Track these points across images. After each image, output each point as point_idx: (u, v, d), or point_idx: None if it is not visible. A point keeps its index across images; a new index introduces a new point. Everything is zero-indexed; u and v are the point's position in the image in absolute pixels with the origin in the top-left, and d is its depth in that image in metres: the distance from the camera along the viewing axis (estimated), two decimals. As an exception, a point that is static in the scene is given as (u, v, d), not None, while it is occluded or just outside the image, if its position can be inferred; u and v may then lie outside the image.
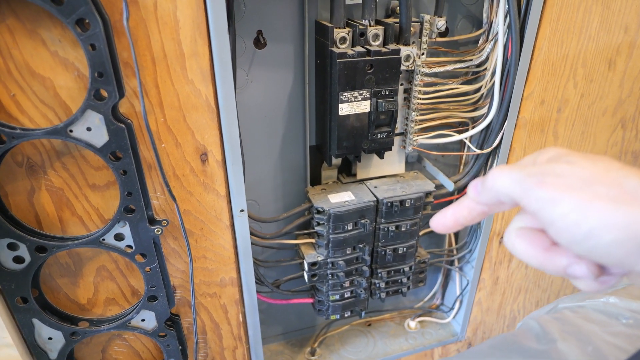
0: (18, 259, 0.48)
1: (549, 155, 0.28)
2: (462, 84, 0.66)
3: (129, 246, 0.52)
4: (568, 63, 0.65)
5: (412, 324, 0.90)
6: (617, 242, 0.22)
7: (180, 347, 0.61)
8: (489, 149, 0.69)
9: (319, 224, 0.65)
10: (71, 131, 0.43)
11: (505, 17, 0.60)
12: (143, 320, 0.57)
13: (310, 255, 0.68)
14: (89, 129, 0.44)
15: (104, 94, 0.43)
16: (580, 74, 0.67)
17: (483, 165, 0.72)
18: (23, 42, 0.41)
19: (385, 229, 0.67)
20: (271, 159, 0.67)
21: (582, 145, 0.76)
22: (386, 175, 0.71)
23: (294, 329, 0.87)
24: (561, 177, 0.24)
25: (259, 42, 0.58)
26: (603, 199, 0.23)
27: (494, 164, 0.70)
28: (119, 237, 0.51)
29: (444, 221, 0.31)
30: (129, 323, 0.57)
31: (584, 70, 0.67)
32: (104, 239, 0.50)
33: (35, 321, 0.52)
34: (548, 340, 0.39)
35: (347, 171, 0.71)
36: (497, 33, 0.62)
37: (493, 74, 0.64)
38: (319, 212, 0.64)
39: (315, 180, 0.71)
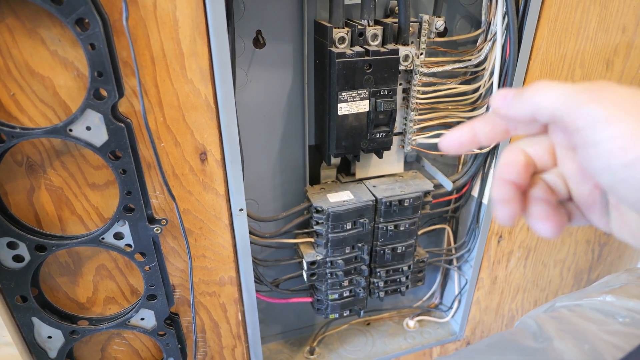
0: (18, 258, 0.49)
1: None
2: (460, 83, 0.67)
3: (129, 245, 0.52)
4: (566, 63, 0.66)
5: (411, 323, 0.90)
6: None
7: (179, 346, 0.62)
8: (488, 149, 0.69)
9: (318, 223, 0.66)
10: (71, 130, 0.43)
11: (504, 18, 0.60)
12: (142, 319, 0.58)
13: (309, 255, 0.68)
14: (88, 128, 0.44)
15: (104, 93, 0.43)
16: (578, 74, 0.68)
17: (482, 164, 0.72)
18: (23, 42, 0.41)
19: (384, 228, 0.68)
20: (270, 159, 0.67)
21: (580, 145, 0.76)
22: (385, 174, 0.71)
23: (293, 328, 0.87)
24: (619, 96, 0.22)
25: (258, 42, 0.58)
26: None
27: (493, 164, 0.71)
28: (118, 236, 0.51)
29: (459, 137, 0.27)
30: (129, 322, 0.57)
31: (582, 70, 0.67)
32: (103, 238, 0.51)
33: (35, 320, 0.53)
34: (545, 339, 0.39)
35: (346, 171, 0.72)
36: (496, 33, 0.62)
37: (491, 74, 0.65)
38: (318, 211, 0.65)
39: (314, 179, 0.71)
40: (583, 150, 0.23)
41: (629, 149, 0.21)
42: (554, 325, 0.41)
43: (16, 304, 0.51)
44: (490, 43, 0.63)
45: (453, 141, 0.27)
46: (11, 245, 0.48)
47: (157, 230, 0.52)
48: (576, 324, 0.42)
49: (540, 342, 0.39)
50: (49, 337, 0.54)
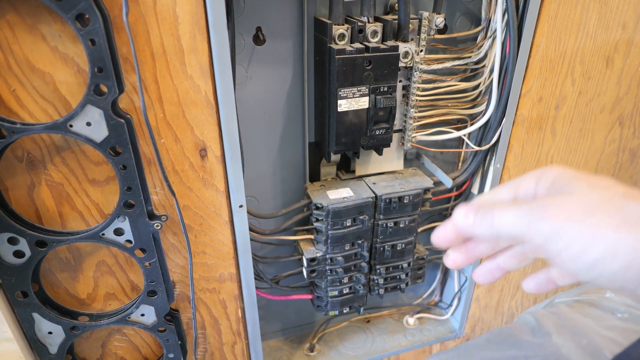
0: (18, 254, 0.49)
1: (552, 176, 0.27)
2: (460, 81, 0.67)
3: (129, 241, 0.52)
4: (566, 60, 0.66)
5: (411, 320, 0.90)
6: (623, 269, 0.22)
7: (179, 342, 0.62)
8: (487, 146, 0.69)
9: (317, 220, 0.66)
10: (71, 126, 0.44)
11: (504, 15, 0.60)
12: (142, 315, 0.58)
13: (309, 251, 0.68)
14: (88, 124, 0.44)
15: (104, 89, 0.43)
16: (578, 71, 0.68)
17: (481, 162, 0.73)
18: (23, 37, 0.41)
19: (384, 225, 0.68)
20: (270, 156, 0.67)
21: (580, 142, 0.76)
22: (385, 171, 0.71)
23: (293, 325, 0.87)
24: (563, 208, 0.24)
25: (258, 39, 0.59)
26: (607, 226, 0.23)
27: (492, 161, 0.71)
28: (118, 232, 0.51)
29: (444, 234, 0.31)
30: (129, 318, 0.57)
31: (582, 67, 0.67)
32: (103, 234, 0.51)
33: (36, 315, 0.53)
34: (543, 334, 0.39)
35: (345, 168, 0.72)
36: (496, 30, 0.62)
37: (491, 71, 0.65)
38: (317, 208, 0.65)
39: (314, 176, 0.71)
40: (553, 259, 0.25)
41: (588, 251, 0.23)
42: (552, 320, 0.41)
43: (17, 299, 0.51)
44: (490, 40, 0.63)
45: (439, 239, 0.32)
46: (12, 241, 0.48)
47: (157, 226, 0.52)
48: (575, 320, 0.42)
49: (538, 337, 0.39)
50: (50, 332, 0.55)
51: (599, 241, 0.23)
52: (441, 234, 0.31)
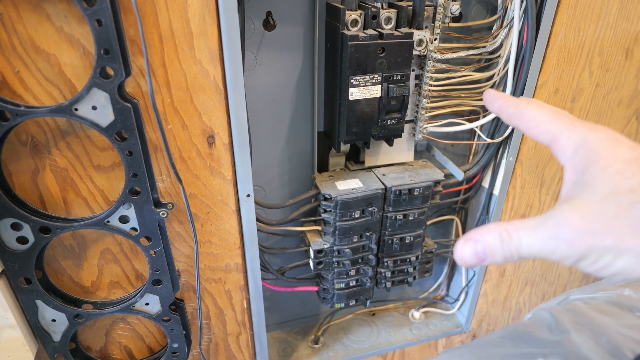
0: (22, 240, 0.48)
1: (585, 157, 0.25)
2: (474, 71, 0.65)
3: (134, 229, 0.51)
4: (584, 51, 0.64)
5: (417, 314, 0.89)
6: None
7: (184, 332, 0.61)
8: (500, 139, 0.68)
9: (325, 211, 0.64)
10: (76, 110, 0.42)
11: (522, 2, 0.58)
12: (147, 304, 0.57)
13: (317, 243, 0.67)
14: (94, 108, 0.43)
15: (110, 72, 0.42)
16: (597, 62, 0.66)
17: (493, 155, 0.71)
18: (27, 17, 0.40)
19: (393, 217, 0.66)
20: (278, 145, 0.66)
21: (595, 136, 0.74)
22: (395, 163, 0.70)
23: (298, 317, 0.87)
24: (587, 225, 0.23)
25: (268, 24, 0.57)
26: (629, 238, 0.23)
27: (505, 154, 0.69)
28: (123, 219, 0.50)
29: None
30: (133, 307, 0.57)
31: (601, 59, 0.66)
32: (108, 221, 0.50)
33: (39, 303, 0.52)
34: (561, 331, 0.38)
35: (355, 158, 0.70)
36: (513, 19, 0.60)
37: (507, 61, 0.63)
38: (326, 199, 0.63)
39: (323, 167, 0.70)
40: (578, 268, 0.25)
41: (614, 264, 0.23)
42: (569, 317, 0.40)
43: (20, 286, 0.50)
44: (507, 29, 0.62)
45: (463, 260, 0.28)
46: (15, 227, 0.47)
47: (163, 214, 0.51)
48: (592, 317, 0.40)
49: (556, 334, 0.38)
50: (53, 320, 0.54)
51: (623, 254, 0.23)
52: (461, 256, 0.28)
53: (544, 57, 0.62)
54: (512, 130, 0.67)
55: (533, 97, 0.65)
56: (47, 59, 0.42)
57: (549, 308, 0.43)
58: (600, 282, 0.49)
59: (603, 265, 0.23)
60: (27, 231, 0.47)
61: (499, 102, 0.31)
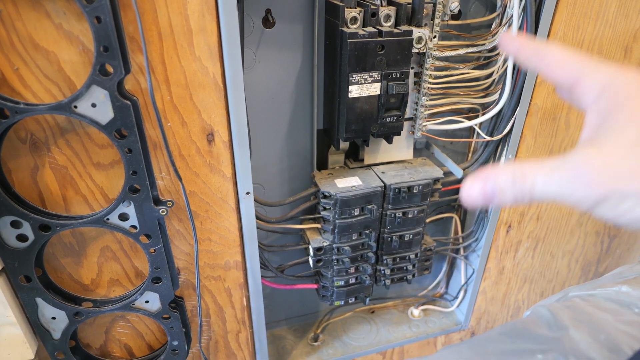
0: (21, 237, 0.48)
1: (611, 95, 0.24)
2: (473, 69, 0.65)
3: (134, 226, 0.51)
4: (583, 48, 0.64)
5: (416, 312, 0.89)
6: None
7: (183, 330, 0.61)
8: (499, 136, 0.68)
9: (325, 209, 0.65)
10: (76, 107, 0.42)
11: (521, 0, 0.58)
12: (147, 301, 0.57)
13: (316, 240, 0.67)
14: (93, 105, 0.43)
15: (110, 69, 0.41)
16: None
17: (492, 152, 0.71)
18: (27, 14, 0.40)
19: (392, 215, 0.66)
20: (278, 142, 0.66)
21: (594, 134, 0.74)
22: (394, 160, 0.70)
23: (297, 315, 0.87)
24: (607, 167, 0.22)
25: (268, 21, 0.57)
26: None
27: (504, 152, 0.69)
28: (123, 217, 0.50)
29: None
30: (133, 304, 0.57)
31: (600, 56, 0.66)
32: (108, 219, 0.50)
33: (39, 300, 0.52)
34: (560, 328, 0.38)
35: (354, 156, 0.70)
36: (512, 16, 0.60)
37: (506, 59, 0.63)
38: (325, 196, 0.63)
39: (322, 164, 0.70)
40: (594, 214, 0.23)
41: (636, 208, 0.22)
42: (568, 314, 0.40)
43: (20, 284, 0.50)
44: (506, 27, 0.62)
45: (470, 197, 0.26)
46: (15, 224, 0.47)
47: (162, 211, 0.51)
48: (591, 314, 0.41)
49: (555, 331, 0.38)
50: (53, 318, 0.54)
51: None
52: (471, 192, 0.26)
53: (543, 54, 0.62)
54: (511, 128, 0.67)
55: (532, 94, 0.65)
56: (46, 56, 0.42)
57: (548, 305, 0.43)
58: (599, 280, 0.50)
59: (623, 210, 0.22)
60: (26, 229, 0.47)
61: (517, 44, 0.28)
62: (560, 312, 0.41)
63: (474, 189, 0.25)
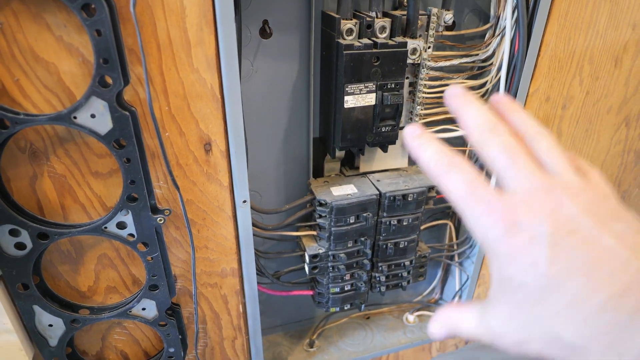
0: (20, 246, 0.48)
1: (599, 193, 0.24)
2: (467, 78, 0.66)
3: (131, 235, 0.51)
4: (575, 60, 0.65)
5: (411, 317, 0.90)
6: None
7: (180, 337, 0.62)
8: (493, 145, 0.69)
9: (321, 217, 0.65)
10: (75, 117, 0.43)
11: (513, 12, 0.59)
12: (144, 309, 0.57)
13: (312, 248, 0.67)
14: (93, 116, 0.43)
15: (109, 80, 0.42)
16: (587, 71, 0.67)
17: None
18: (27, 26, 0.40)
19: (387, 222, 0.67)
20: (274, 151, 0.67)
21: (586, 143, 0.75)
22: (389, 169, 0.71)
23: (293, 321, 0.87)
24: (510, 325, 0.24)
25: (265, 32, 0.58)
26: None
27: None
28: (121, 225, 0.51)
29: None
30: (130, 312, 0.57)
31: (590, 67, 0.67)
32: (106, 227, 0.50)
33: (36, 308, 0.52)
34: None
35: (350, 164, 0.71)
36: (505, 28, 0.61)
37: (499, 69, 0.64)
38: (321, 204, 0.64)
39: (318, 172, 0.70)
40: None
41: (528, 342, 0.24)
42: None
43: (17, 291, 0.50)
44: (499, 38, 0.63)
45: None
46: (13, 233, 0.47)
47: (160, 220, 0.51)
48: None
49: (545, 339, 0.39)
50: (50, 325, 0.54)
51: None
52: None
53: (535, 65, 0.63)
54: (505, 136, 0.68)
55: (525, 104, 0.66)
56: (46, 68, 0.42)
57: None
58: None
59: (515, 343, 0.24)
60: (25, 237, 0.48)
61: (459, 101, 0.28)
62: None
63: (435, 332, 0.29)
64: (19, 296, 0.51)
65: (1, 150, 0.44)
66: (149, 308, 0.57)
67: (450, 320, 0.27)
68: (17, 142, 0.45)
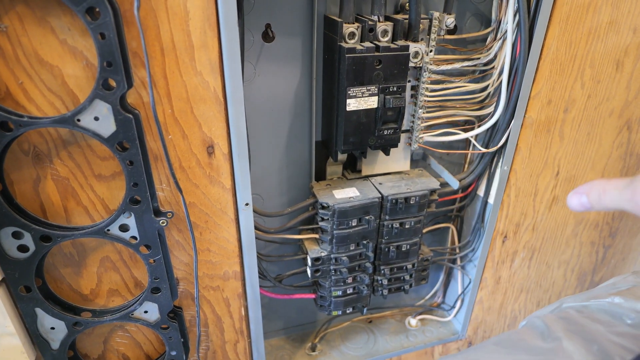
0: (22, 248, 0.48)
1: None
2: (469, 82, 0.66)
3: (134, 237, 0.52)
4: (576, 63, 0.65)
5: (413, 321, 0.90)
6: None
7: (182, 340, 0.61)
8: (495, 148, 0.69)
9: (323, 220, 0.65)
10: (79, 120, 0.43)
11: (515, 16, 0.60)
12: (146, 312, 0.57)
13: (314, 251, 0.67)
14: (96, 119, 0.44)
15: (113, 83, 0.42)
16: (588, 74, 0.67)
17: (488, 164, 0.72)
18: (32, 30, 0.41)
19: (390, 225, 0.67)
20: (276, 154, 0.67)
21: (588, 146, 0.75)
22: (391, 172, 0.71)
23: (295, 324, 0.87)
24: None
25: (268, 36, 0.58)
26: None
27: (500, 163, 0.70)
28: (123, 228, 0.51)
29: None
30: (132, 314, 0.57)
31: (592, 70, 0.67)
32: (108, 230, 0.50)
33: (38, 310, 0.52)
34: (553, 339, 0.39)
35: (352, 167, 0.71)
36: (506, 31, 0.61)
37: (500, 72, 0.64)
38: (323, 207, 0.64)
39: (320, 175, 0.70)
40: None
41: None
42: (562, 325, 0.41)
43: (20, 294, 0.51)
44: (500, 41, 0.63)
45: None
46: (16, 235, 0.47)
47: (162, 222, 0.51)
48: (584, 325, 0.41)
49: (549, 342, 0.39)
50: (52, 328, 0.54)
51: None
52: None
53: (537, 69, 0.63)
54: (506, 140, 0.68)
55: (526, 107, 0.66)
56: (50, 71, 0.43)
57: (542, 316, 0.44)
58: (593, 290, 0.50)
59: None
60: (27, 240, 0.48)
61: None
62: (554, 323, 0.41)
63: (573, 202, 0.32)
64: (21, 299, 0.51)
65: (5, 152, 0.44)
66: (151, 311, 0.57)
67: (593, 189, 0.30)
68: (20, 144, 0.45)
